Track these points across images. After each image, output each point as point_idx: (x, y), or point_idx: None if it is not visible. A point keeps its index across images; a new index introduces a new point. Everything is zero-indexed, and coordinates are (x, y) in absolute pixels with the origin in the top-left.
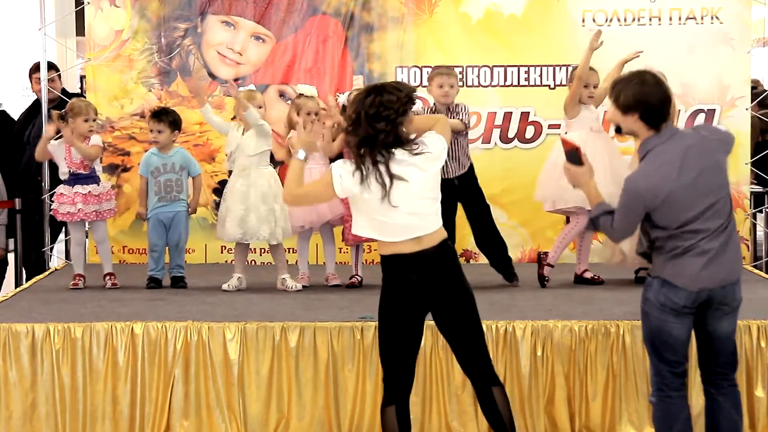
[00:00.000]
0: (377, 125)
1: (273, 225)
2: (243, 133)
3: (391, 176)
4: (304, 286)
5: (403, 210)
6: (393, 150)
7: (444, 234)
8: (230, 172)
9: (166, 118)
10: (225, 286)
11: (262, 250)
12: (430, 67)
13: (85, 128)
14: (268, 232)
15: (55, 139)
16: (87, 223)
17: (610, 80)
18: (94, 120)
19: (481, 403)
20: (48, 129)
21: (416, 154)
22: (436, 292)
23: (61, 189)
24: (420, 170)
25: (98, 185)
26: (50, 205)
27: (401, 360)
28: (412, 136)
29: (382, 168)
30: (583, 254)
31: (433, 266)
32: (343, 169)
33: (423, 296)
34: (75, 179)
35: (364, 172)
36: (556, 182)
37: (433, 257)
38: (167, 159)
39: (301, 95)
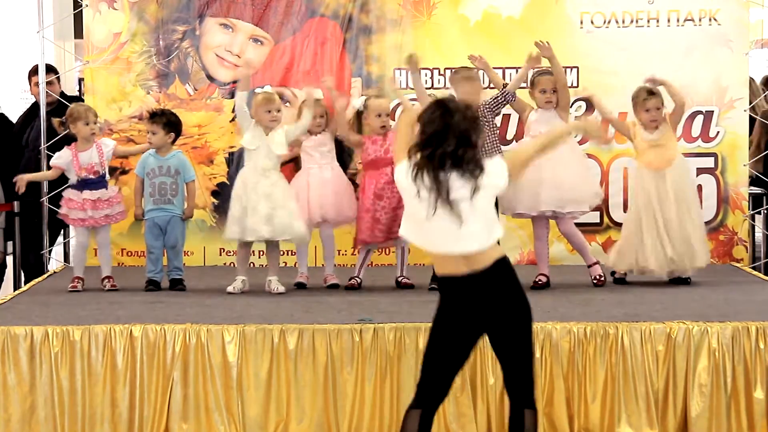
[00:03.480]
0: (461, 141)
1: (298, 228)
2: (267, 134)
3: (448, 195)
4: (303, 286)
5: (450, 227)
6: (458, 169)
7: (500, 252)
8: (228, 174)
9: (160, 119)
10: (230, 288)
11: (260, 253)
12: (428, 69)
13: (86, 132)
14: (293, 235)
15: (58, 149)
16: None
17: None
18: (95, 123)
19: (510, 421)
20: (46, 174)
21: (479, 177)
22: (491, 314)
23: (69, 194)
24: (477, 196)
25: (107, 189)
26: (49, 208)
27: (441, 374)
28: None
29: (441, 183)
30: (579, 250)
31: (486, 288)
32: (405, 164)
33: (477, 319)
34: (83, 184)
35: (421, 179)
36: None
37: (483, 279)
38: (163, 162)
39: (305, 100)
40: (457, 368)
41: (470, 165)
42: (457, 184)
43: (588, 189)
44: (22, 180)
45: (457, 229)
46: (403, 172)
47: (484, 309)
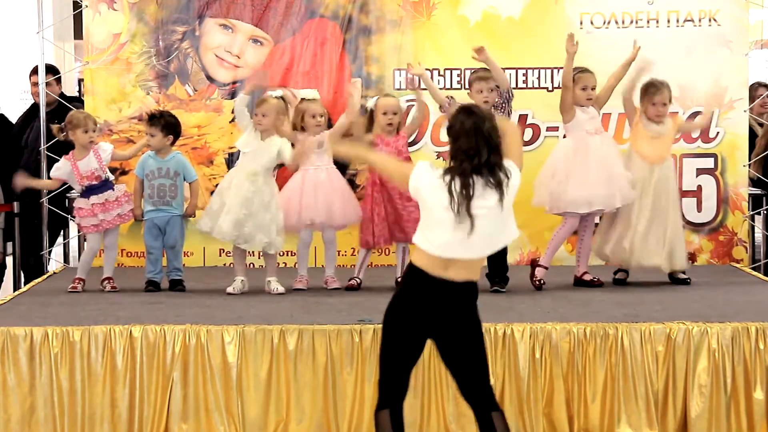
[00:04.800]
0: (488, 148)
1: (272, 234)
2: (263, 138)
3: (470, 203)
4: (302, 290)
5: (458, 230)
6: (488, 175)
7: (476, 276)
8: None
9: (158, 122)
10: (230, 289)
11: (260, 254)
12: (428, 69)
13: (84, 140)
14: (266, 241)
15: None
16: None
17: (613, 81)
18: (94, 131)
19: (480, 428)
20: (46, 183)
21: (506, 183)
22: (443, 324)
23: (78, 203)
24: (503, 202)
25: (113, 190)
26: (49, 208)
27: (398, 369)
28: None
29: (473, 191)
30: (582, 256)
31: (448, 298)
32: (427, 170)
33: (429, 322)
34: (89, 190)
35: (454, 188)
36: (552, 185)
37: (452, 289)
38: (163, 163)
39: (303, 99)
40: (413, 364)
41: (499, 171)
42: (484, 191)
43: (624, 183)
44: (22, 181)
45: (473, 235)
46: (423, 177)
47: (441, 317)
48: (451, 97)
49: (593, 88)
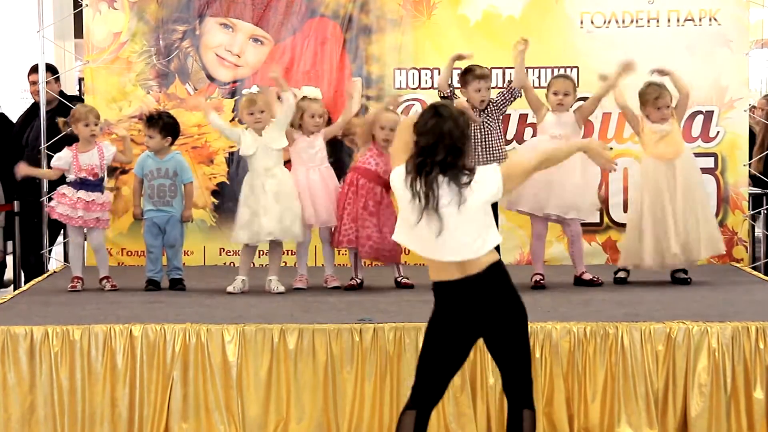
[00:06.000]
0: (450, 150)
1: (299, 223)
2: (260, 135)
3: (437, 203)
4: (302, 289)
5: (440, 233)
6: (447, 177)
7: (494, 257)
8: (228, 173)
9: (156, 123)
10: (230, 288)
11: (261, 253)
12: (428, 69)
13: (86, 133)
14: (297, 231)
15: (58, 150)
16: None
17: (596, 99)
18: (96, 125)
19: (509, 421)
20: (47, 173)
21: (466, 184)
22: (486, 318)
23: (63, 189)
24: (466, 203)
25: (102, 194)
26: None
27: (437, 377)
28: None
29: (433, 190)
30: (576, 257)
31: (479, 293)
32: (402, 170)
33: (472, 324)
34: (81, 183)
35: (414, 185)
36: (536, 191)
37: (477, 283)
38: (162, 164)
39: (305, 98)
40: (454, 371)
41: (458, 173)
42: (446, 191)
43: (588, 200)
44: (23, 169)
45: (444, 236)
46: (399, 176)
47: (479, 313)
48: (452, 85)
49: (566, 94)
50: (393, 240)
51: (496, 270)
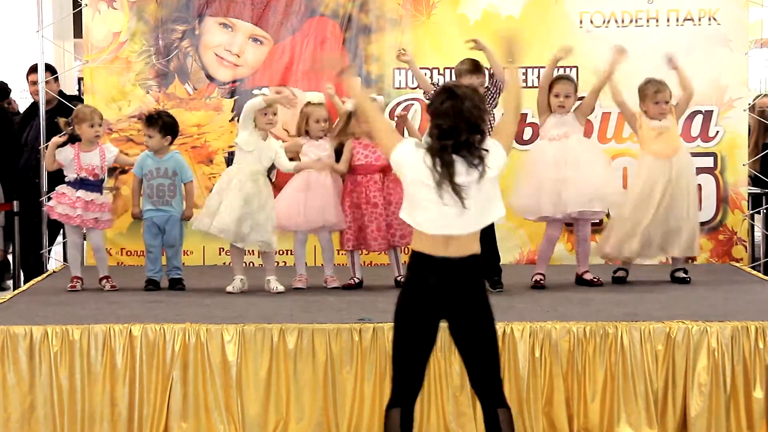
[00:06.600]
0: (471, 129)
1: (267, 234)
2: (264, 138)
3: (459, 180)
4: (302, 288)
5: (462, 208)
6: (467, 154)
7: (477, 249)
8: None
9: (155, 123)
10: (229, 288)
11: (259, 253)
12: (427, 68)
13: (90, 134)
14: (261, 240)
15: (61, 146)
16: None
17: (595, 90)
18: (99, 125)
19: (486, 422)
20: (55, 139)
21: (482, 159)
22: (454, 300)
23: (63, 188)
24: (484, 177)
25: (101, 195)
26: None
27: (412, 363)
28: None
29: (455, 168)
30: (581, 256)
31: (454, 274)
32: (411, 147)
33: (440, 301)
34: (80, 183)
35: (433, 165)
36: (535, 191)
37: (457, 265)
38: (161, 163)
39: (309, 103)
40: (426, 356)
41: (479, 150)
42: (465, 169)
43: (611, 186)
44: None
45: (462, 211)
46: (407, 152)
47: (447, 295)
48: (437, 83)
49: (567, 96)
50: (401, 220)
51: (476, 262)
